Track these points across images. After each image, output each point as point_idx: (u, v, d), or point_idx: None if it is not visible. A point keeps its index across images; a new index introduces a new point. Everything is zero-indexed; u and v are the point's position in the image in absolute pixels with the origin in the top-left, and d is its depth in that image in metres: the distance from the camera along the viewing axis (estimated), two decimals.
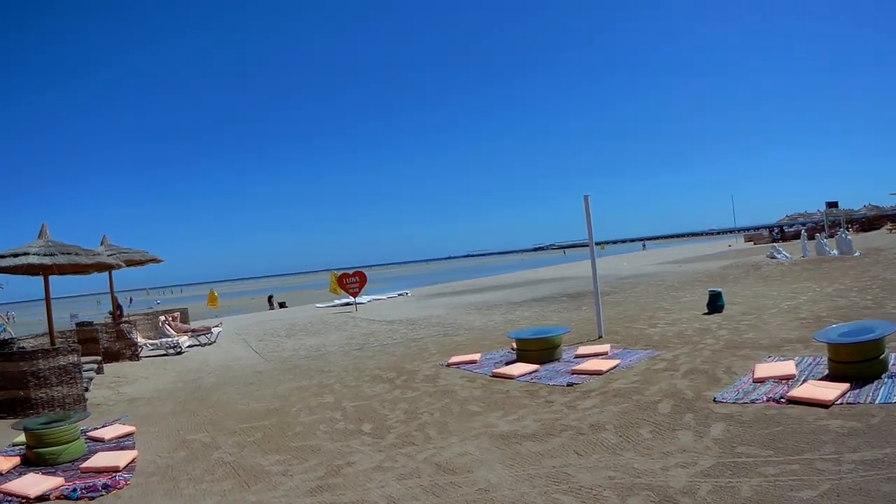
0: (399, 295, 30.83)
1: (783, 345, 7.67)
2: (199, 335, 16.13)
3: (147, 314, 18.23)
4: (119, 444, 6.53)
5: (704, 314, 11.22)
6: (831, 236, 31.36)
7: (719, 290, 11.66)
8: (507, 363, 8.42)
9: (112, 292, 16.02)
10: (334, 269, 23.73)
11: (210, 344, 15.92)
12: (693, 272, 22.53)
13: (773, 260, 23.14)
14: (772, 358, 6.99)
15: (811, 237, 28.19)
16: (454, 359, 9.17)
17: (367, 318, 18.56)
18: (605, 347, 8.61)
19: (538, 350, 8.26)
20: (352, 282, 22.17)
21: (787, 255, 24.15)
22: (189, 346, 15.32)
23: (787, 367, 6.30)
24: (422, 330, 13.87)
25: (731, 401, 5.54)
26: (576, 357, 8.38)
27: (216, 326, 16.77)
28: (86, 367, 10.72)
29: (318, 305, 29.19)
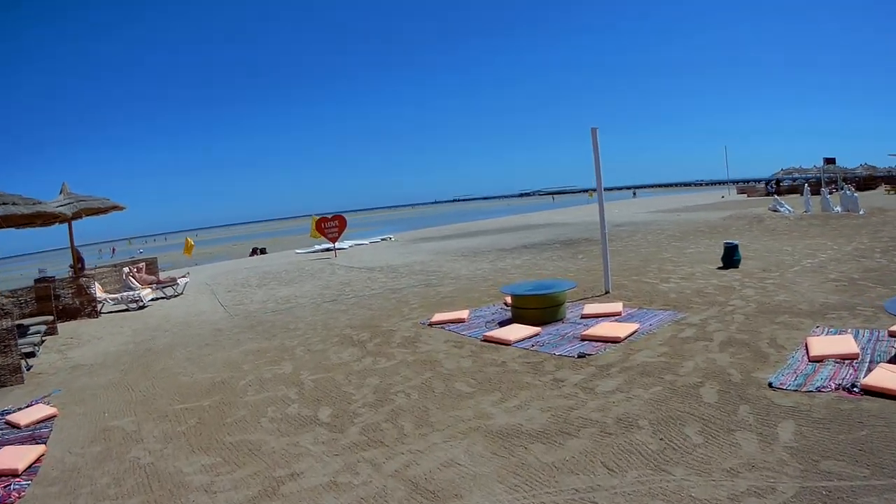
0: (382, 240, 29.47)
1: (826, 311, 6.46)
2: (164, 287, 14.77)
3: (114, 266, 16.77)
4: (34, 431, 5.29)
5: (719, 268, 10.05)
6: (831, 193, 30.57)
7: (735, 242, 10.43)
8: (501, 323, 7.20)
9: (72, 244, 14.58)
10: (316, 214, 22.19)
11: (176, 296, 14.58)
12: (692, 222, 21.38)
13: (776, 213, 22.31)
14: (821, 329, 5.77)
15: (815, 192, 27.69)
16: (438, 316, 7.91)
17: (345, 264, 17.25)
18: (617, 306, 7.37)
19: (538, 308, 6.99)
20: (331, 226, 20.73)
21: (790, 208, 23.20)
22: (152, 300, 13.97)
23: (846, 342, 5.09)
24: (403, 279, 12.59)
25: (790, 387, 4.33)
26: (582, 317, 7.16)
27: (182, 277, 15.40)
28: (34, 328, 9.53)
29: (297, 251, 27.78)
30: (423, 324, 7.79)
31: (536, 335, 6.49)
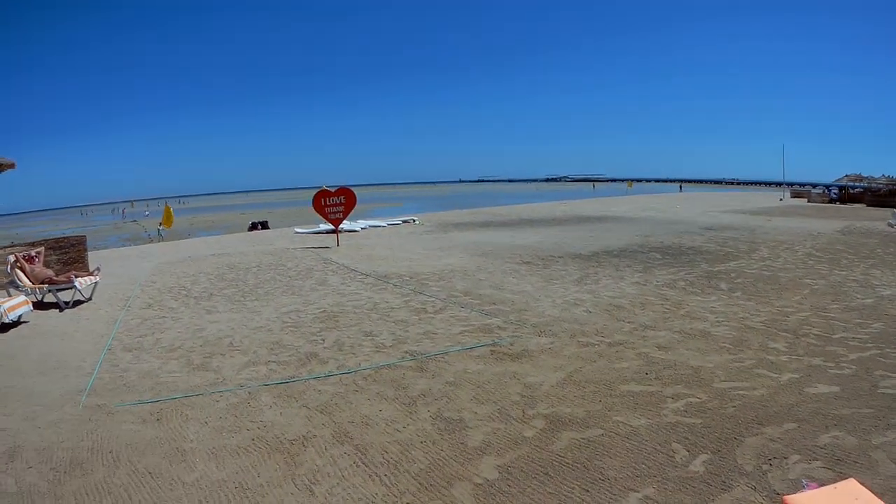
0: (403, 222, 23.77)
1: None
2: (60, 289, 9.25)
3: (31, 245, 11.32)
4: None
5: None
6: None
7: None
8: None
9: None
10: (330, 186, 16.10)
11: (73, 305, 9.09)
12: (810, 234, 15.08)
13: None
14: None
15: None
16: None
17: (346, 263, 11.56)
18: None
19: None
20: (334, 204, 14.92)
21: None
22: (23, 314, 8.37)
23: None
24: (437, 319, 6.81)
25: None
26: None
27: (88, 276, 9.85)
28: None
29: (297, 230, 22.29)
30: None
31: None
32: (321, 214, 15.06)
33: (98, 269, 10.21)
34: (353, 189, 15.22)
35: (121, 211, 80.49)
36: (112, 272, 12.70)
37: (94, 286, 9.81)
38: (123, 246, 26.66)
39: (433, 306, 7.41)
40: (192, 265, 12.64)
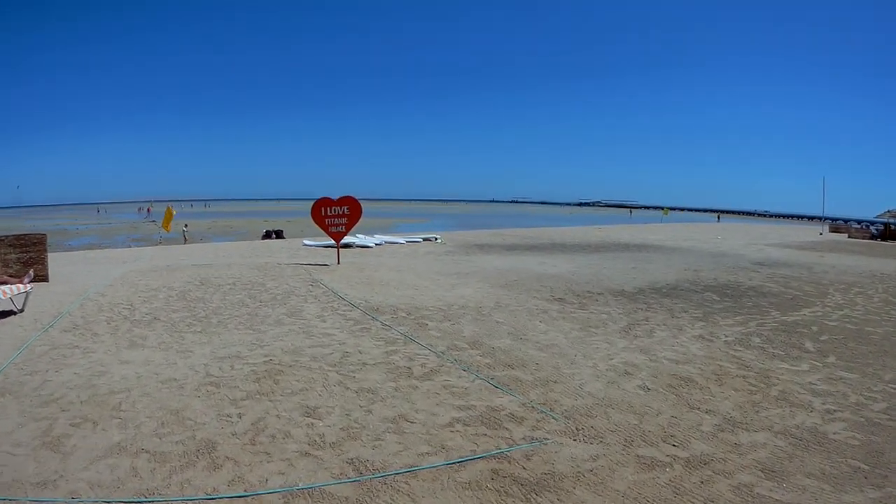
0: (425, 240, 21.87)
1: None
2: None
3: None
4: None
5: None
6: None
7: None
8: None
9: None
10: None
11: None
12: (871, 275, 12.59)
13: None
14: None
15: None
16: None
17: (337, 288, 9.59)
18: None
19: None
20: (335, 215, 12.95)
21: None
22: None
23: None
24: (422, 390, 4.81)
25: None
26: None
27: (18, 283, 8.11)
28: None
29: (305, 242, 20.62)
30: None
31: None
32: (321, 227, 13.15)
33: (29, 276, 8.49)
34: (359, 200, 13.30)
35: (145, 210, 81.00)
36: (73, 278, 11.09)
37: (26, 296, 8.05)
38: (131, 246, 25.36)
39: (423, 364, 5.35)
40: (163, 276, 10.84)
